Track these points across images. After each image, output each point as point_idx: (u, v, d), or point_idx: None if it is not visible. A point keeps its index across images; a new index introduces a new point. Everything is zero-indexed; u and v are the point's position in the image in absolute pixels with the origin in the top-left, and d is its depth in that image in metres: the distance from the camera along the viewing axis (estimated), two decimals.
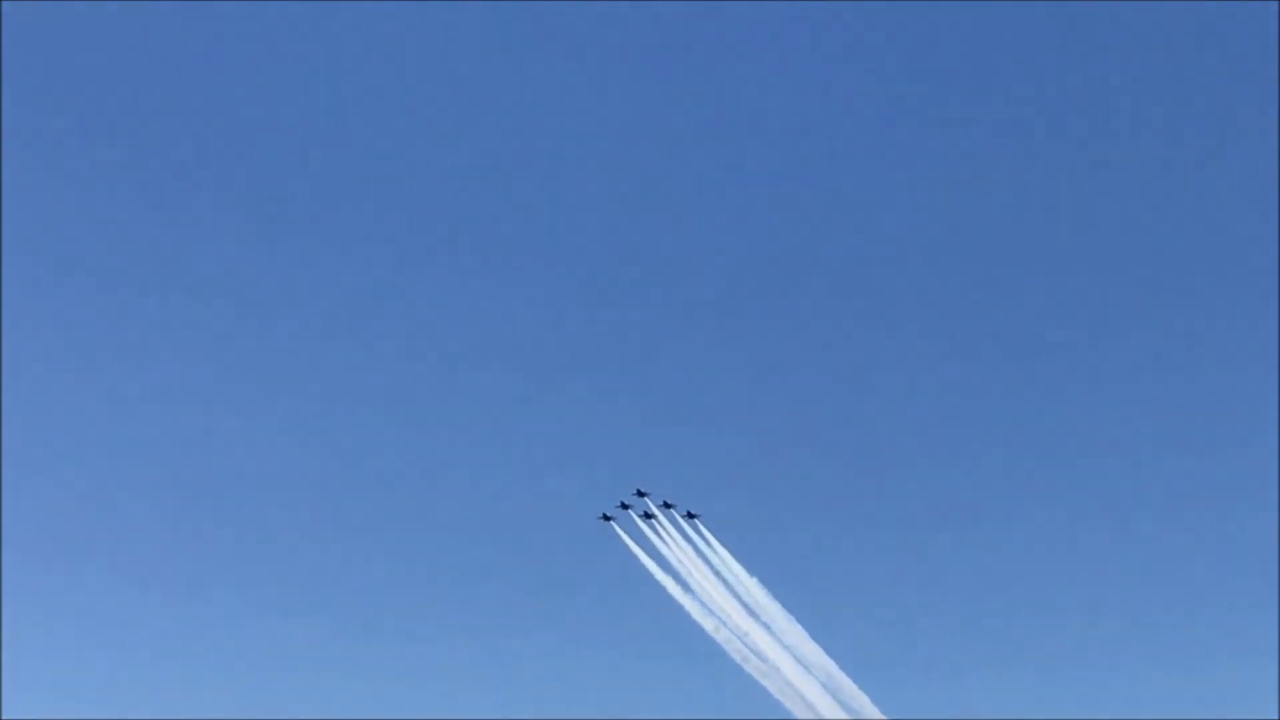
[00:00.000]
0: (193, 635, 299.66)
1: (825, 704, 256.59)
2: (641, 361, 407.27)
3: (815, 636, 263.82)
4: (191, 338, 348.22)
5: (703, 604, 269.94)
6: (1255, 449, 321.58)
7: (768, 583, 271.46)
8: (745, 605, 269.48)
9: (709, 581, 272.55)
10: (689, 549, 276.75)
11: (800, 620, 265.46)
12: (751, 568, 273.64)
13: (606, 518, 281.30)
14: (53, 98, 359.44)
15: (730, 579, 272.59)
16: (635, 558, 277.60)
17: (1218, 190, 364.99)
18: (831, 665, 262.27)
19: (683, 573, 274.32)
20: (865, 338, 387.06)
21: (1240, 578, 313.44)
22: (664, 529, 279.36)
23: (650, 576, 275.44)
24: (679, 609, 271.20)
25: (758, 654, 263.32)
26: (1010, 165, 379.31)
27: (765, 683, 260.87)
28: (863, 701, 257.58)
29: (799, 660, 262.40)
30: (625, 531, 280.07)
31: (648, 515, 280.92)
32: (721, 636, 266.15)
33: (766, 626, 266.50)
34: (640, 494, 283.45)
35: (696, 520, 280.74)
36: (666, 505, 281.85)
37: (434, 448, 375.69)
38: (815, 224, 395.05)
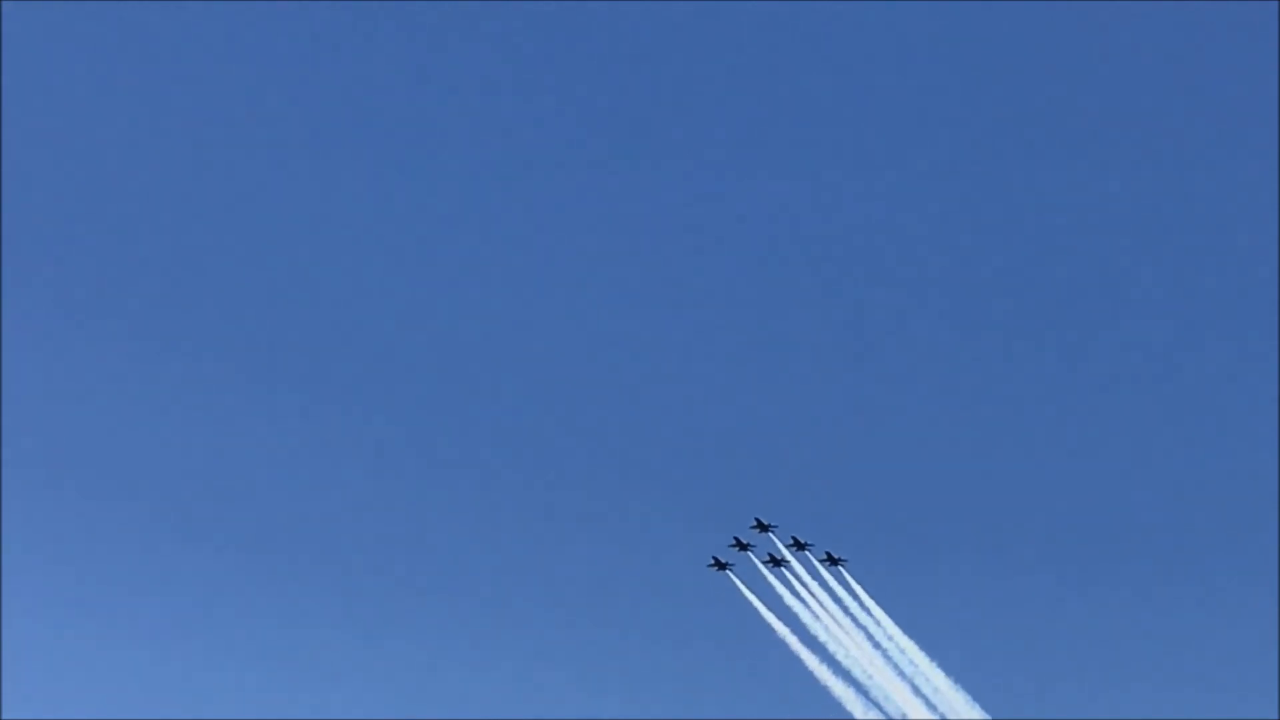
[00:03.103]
0: (194, 635, 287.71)
1: None
2: (755, 349, 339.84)
3: None
4: (192, 337, 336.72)
5: (858, 689, 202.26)
6: (1256, 446, 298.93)
7: (947, 662, 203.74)
8: (917, 691, 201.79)
9: (866, 656, 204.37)
10: (836, 609, 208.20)
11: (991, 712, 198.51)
12: (923, 639, 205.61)
13: (720, 564, 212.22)
14: (53, 98, 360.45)
15: (895, 654, 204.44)
16: (763, 621, 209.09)
17: (1218, 190, 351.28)
18: None
19: (829, 643, 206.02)
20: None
21: (1241, 577, 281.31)
22: (798, 579, 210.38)
23: (785, 648, 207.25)
24: (824, 694, 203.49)
25: None
26: (1009, 166, 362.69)
27: None
28: None
29: None
30: (745, 583, 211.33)
31: (774, 560, 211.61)
32: None
33: None
34: (761, 526, 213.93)
35: (841, 567, 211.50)
36: (798, 545, 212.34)
37: (494, 461, 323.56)
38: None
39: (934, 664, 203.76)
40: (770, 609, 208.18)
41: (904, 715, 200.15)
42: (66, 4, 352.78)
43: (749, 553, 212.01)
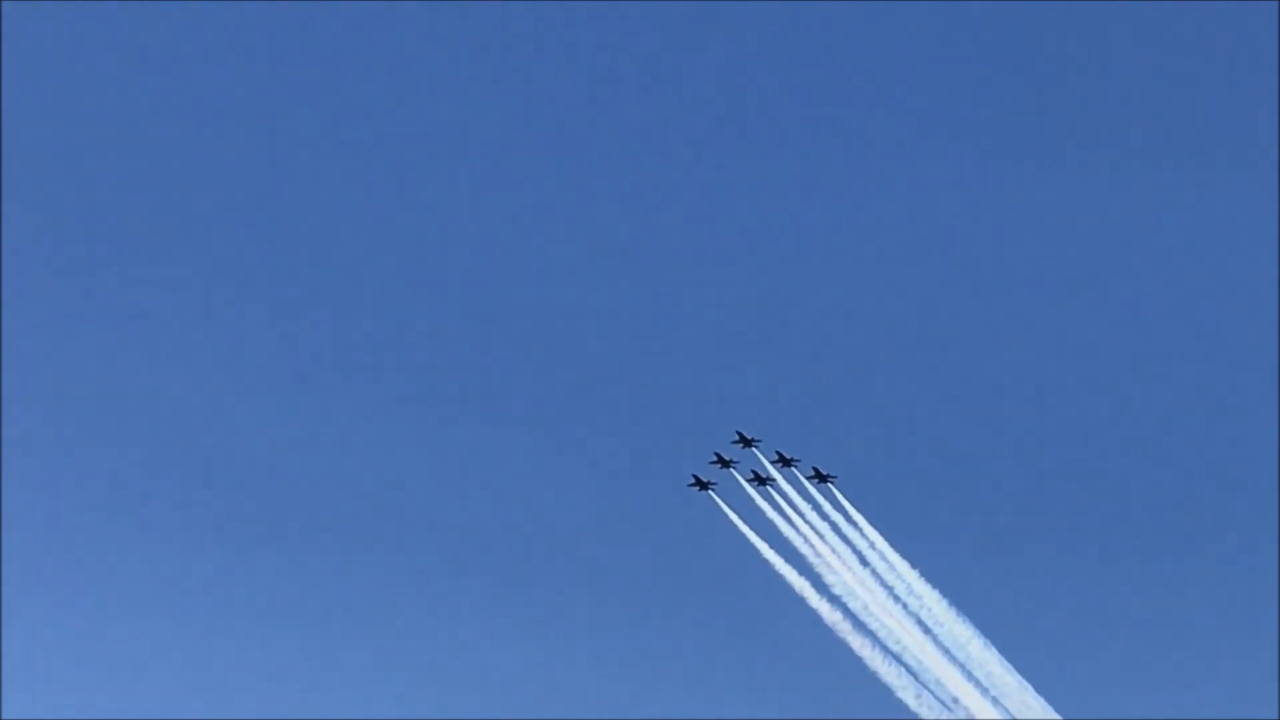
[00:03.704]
0: (195, 635, 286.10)
1: None
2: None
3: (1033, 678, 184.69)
4: (192, 336, 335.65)
5: (848, 614, 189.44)
6: (1256, 445, 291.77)
7: (944, 585, 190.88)
8: (916, 618, 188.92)
9: (858, 580, 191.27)
10: (826, 530, 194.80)
11: (1006, 652, 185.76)
12: (919, 560, 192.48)
13: (702, 483, 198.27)
14: (53, 98, 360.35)
15: (891, 578, 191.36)
16: (750, 545, 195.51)
17: (1217, 191, 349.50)
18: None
19: (819, 567, 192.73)
20: None
21: (1241, 577, 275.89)
22: (785, 499, 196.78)
23: (772, 572, 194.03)
24: (815, 620, 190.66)
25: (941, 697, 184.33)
26: (1008, 166, 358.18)
27: None
28: None
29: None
30: (728, 504, 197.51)
31: (759, 478, 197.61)
32: (886, 672, 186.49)
33: (951, 656, 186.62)
34: (745, 441, 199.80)
35: (831, 484, 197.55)
36: (784, 460, 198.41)
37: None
38: None
39: (931, 587, 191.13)
40: (756, 531, 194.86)
41: (900, 643, 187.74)
42: (66, 4, 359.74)
43: (732, 470, 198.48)
